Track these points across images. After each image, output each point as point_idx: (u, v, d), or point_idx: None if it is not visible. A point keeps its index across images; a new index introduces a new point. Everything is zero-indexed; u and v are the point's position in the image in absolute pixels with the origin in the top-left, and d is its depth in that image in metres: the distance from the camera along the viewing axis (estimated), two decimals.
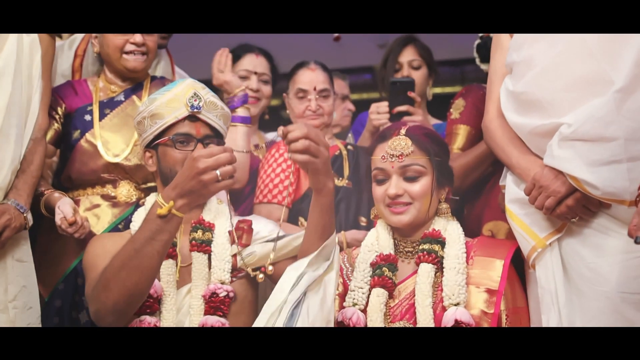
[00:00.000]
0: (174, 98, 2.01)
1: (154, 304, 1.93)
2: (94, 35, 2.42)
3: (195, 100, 2.00)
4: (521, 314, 1.95)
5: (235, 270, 2.00)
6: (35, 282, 2.13)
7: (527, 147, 1.94)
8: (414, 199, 1.98)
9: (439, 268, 1.96)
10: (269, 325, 1.75)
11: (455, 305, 1.89)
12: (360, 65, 4.77)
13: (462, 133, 2.45)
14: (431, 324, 1.87)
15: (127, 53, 2.37)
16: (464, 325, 1.84)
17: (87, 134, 2.35)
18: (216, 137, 2.04)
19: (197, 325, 1.93)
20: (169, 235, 1.72)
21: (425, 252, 1.97)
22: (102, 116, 2.39)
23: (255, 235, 2.02)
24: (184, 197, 1.69)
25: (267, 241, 2.01)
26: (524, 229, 1.92)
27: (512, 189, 1.97)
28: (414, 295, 1.94)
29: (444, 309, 1.90)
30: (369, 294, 1.96)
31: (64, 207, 2.15)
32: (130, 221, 2.08)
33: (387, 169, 1.99)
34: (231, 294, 1.96)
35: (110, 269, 1.74)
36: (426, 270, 1.95)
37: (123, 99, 2.42)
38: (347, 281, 2.04)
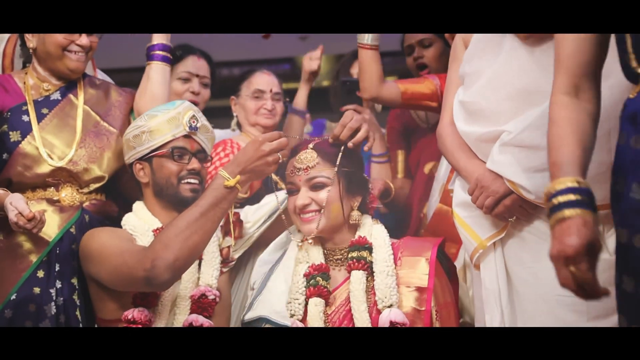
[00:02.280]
0: (175, 117, 2.20)
1: (152, 298, 2.08)
2: None
3: (193, 122, 2.22)
4: (450, 308, 2.05)
5: (223, 262, 2.21)
6: None
7: (474, 153, 2.00)
8: (322, 206, 2.04)
9: (370, 273, 2.04)
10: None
11: (389, 307, 1.97)
12: (281, 56, 4.77)
13: None
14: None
15: (69, 52, 2.25)
16: (399, 326, 1.93)
17: (28, 137, 2.21)
18: (204, 152, 2.26)
19: (181, 323, 2.09)
20: (228, 204, 2.00)
21: (354, 260, 2.05)
22: (40, 117, 2.25)
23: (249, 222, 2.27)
24: (246, 174, 1.98)
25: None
26: (467, 231, 2.00)
27: (458, 193, 2.03)
28: (350, 302, 2.01)
29: (379, 311, 1.98)
30: (306, 304, 2.03)
31: (17, 203, 2.02)
32: (84, 224, 2.20)
33: (296, 182, 2.08)
34: (217, 299, 2.14)
35: (174, 229, 1.94)
36: (358, 277, 2.03)
37: (60, 98, 2.30)
38: None
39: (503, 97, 1.88)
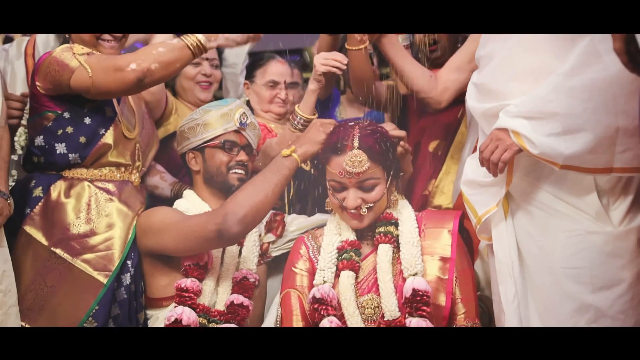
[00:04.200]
0: (227, 113, 2.43)
1: (203, 272, 2.28)
2: None
3: (243, 119, 2.45)
4: (467, 274, 2.18)
5: (262, 255, 2.43)
6: (11, 266, 2.11)
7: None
8: (372, 202, 2.16)
9: (396, 246, 2.17)
10: None
11: (414, 275, 2.09)
12: (290, 47, 4.81)
13: None
14: (393, 296, 2.09)
15: (103, 40, 2.33)
16: (422, 293, 2.04)
17: (118, 115, 2.32)
18: (250, 147, 2.48)
19: (224, 302, 2.28)
20: (288, 171, 2.19)
21: (382, 234, 2.19)
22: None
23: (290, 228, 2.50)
24: (301, 145, 2.20)
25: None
26: (469, 207, 2.12)
27: (466, 172, 2.13)
28: (376, 272, 2.15)
29: (404, 280, 2.11)
30: (337, 273, 2.17)
31: None
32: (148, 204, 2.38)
33: (345, 183, 2.16)
34: (257, 282, 2.35)
35: (242, 191, 2.17)
36: (384, 250, 2.17)
37: None
38: (313, 259, 2.23)
39: (511, 78, 1.94)
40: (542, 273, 1.95)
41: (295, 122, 2.51)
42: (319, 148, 2.21)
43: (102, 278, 2.19)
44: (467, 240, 2.25)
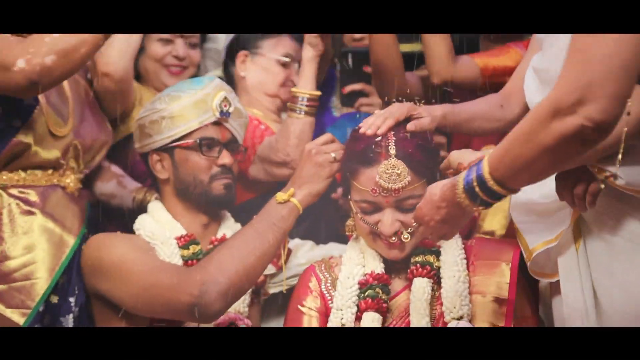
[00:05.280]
0: (203, 99, 1.94)
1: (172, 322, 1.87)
2: None
3: (225, 106, 1.94)
4: (530, 322, 1.83)
5: (256, 292, 1.99)
6: None
7: None
8: (413, 226, 1.78)
9: (436, 281, 1.81)
10: None
11: (458, 319, 1.75)
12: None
13: None
14: None
15: None
16: None
17: (42, 103, 1.89)
18: (236, 142, 2.02)
19: None
20: (288, 225, 1.81)
21: (418, 265, 1.81)
22: None
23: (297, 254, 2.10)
24: (300, 185, 1.82)
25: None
26: (519, 238, 1.83)
27: (517, 195, 1.74)
28: (409, 314, 1.79)
29: (445, 324, 1.76)
30: (358, 315, 1.81)
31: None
32: (92, 219, 1.97)
33: (379, 202, 1.77)
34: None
35: (228, 249, 1.76)
36: (421, 285, 1.79)
37: None
38: (327, 295, 1.87)
39: None
40: (628, 322, 1.60)
41: (299, 105, 2.10)
42: (324, 185, 1.85)
43: (18, 317, 1.79)
44: (531, 278, 1.87)
